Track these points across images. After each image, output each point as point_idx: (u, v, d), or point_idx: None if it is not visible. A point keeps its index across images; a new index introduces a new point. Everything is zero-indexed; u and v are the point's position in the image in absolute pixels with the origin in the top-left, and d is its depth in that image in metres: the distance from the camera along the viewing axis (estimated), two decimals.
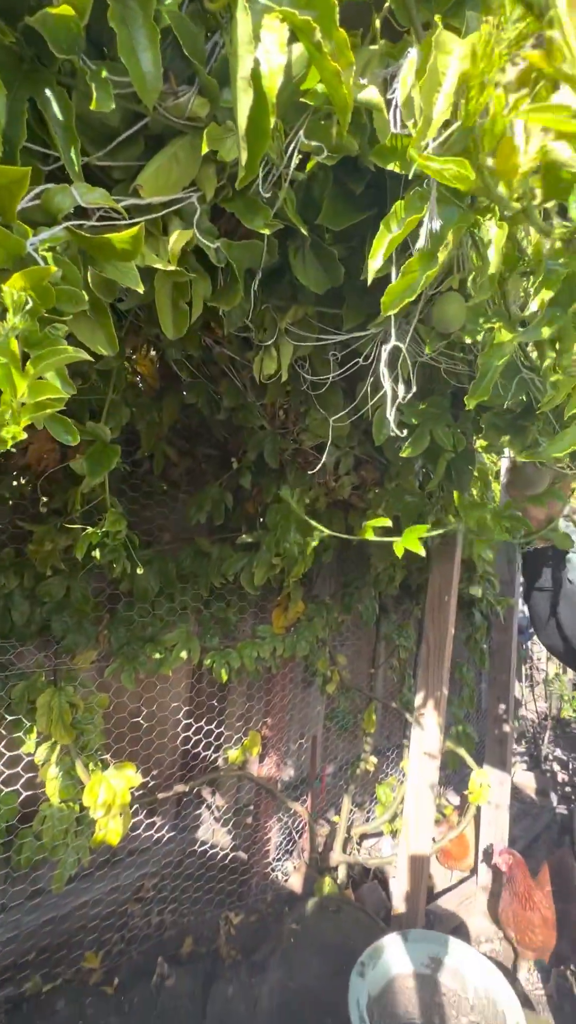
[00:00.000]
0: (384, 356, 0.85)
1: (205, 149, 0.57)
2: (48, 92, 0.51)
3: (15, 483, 1.90)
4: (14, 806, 1.83)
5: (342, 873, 2.66)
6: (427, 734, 2.28)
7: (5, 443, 0.48)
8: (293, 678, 2.89)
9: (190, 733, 2.49)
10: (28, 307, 0.46)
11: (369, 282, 0.71)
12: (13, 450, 1.81)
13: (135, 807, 2.14)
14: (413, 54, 0.65)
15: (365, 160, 0.74)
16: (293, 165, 0.67)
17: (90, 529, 1.29)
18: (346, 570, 2.84)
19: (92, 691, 1.94)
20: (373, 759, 2.89)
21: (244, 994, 1.74)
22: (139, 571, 1.42)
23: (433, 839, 2.35)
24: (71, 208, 0.53)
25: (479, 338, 0.88)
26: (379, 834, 3.21)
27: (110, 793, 1.75)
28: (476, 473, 2.12)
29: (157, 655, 1.96)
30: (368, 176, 0.79)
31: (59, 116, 0.51)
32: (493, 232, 0.72)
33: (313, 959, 1.89)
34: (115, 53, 0.51)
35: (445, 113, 0.59)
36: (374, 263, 0.69)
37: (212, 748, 2.58)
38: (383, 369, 0.84)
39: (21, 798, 1.83)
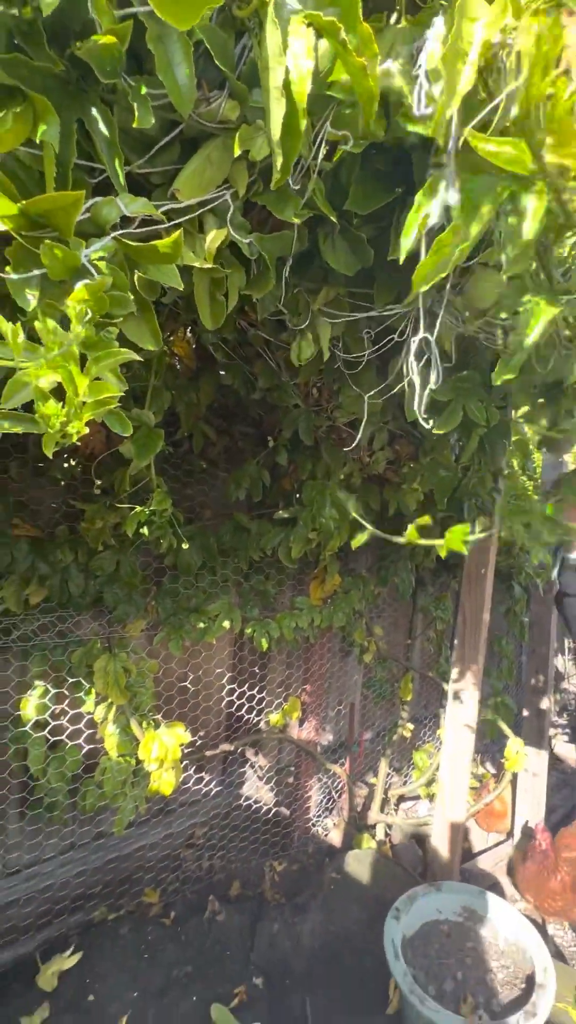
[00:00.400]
0: (412, 347, 0.87)
1: (238, 151, 0.60)
2: (94, 111, 0.55)
3: (66, 465, 2.02)
4: (78, 758, 2.01)
5: (380, 831, 2.79)
6: (462, 703, 2.33)
7: (71, 437, 0.55)
8: (331, 648, 2.98)
9: (234, 697, 2.64)
10: (88, 317, 0.52)
11: (401, 261, 0.73)
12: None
13: (185, 763, 2.32)
14: (439, 24, 0.65)
15: (391, 139, 0.74)
16: (321, 156, 0.69)
17: (138, 508, 1.38)
18: (382, 543, 2.87)
19: (143, 657, 2.09)
20: (410, 725, 2.97)
21: (288, 932, 1.90)
22: (184, 546, 1.51)
23: (468, 803, 2.43)
24: (117, 218, 0.58)
25: (518, 311, 0.88)
26: (416, 797, 3.32)
27: (162, 749, 1.91)
28: (514, 444, 2.08)
29: (201, 624, 2.09)
30: (395, 155, 0.80)
31: (104, 132, 0.56)
32: (531, 205, 0.71)
33: (352, 906, 2.02)
34: (151, 66, 0.55)
35: (470, 82, 0.60)
36: (407, 240, 0.70)
37: (254, 712, 2.73)
38: (411, 361, 0.86)
39: (83, 751, 2.02)
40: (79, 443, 2.02)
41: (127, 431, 0.61)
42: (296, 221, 0.72)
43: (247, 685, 2.68)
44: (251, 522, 2.11)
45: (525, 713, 3.22)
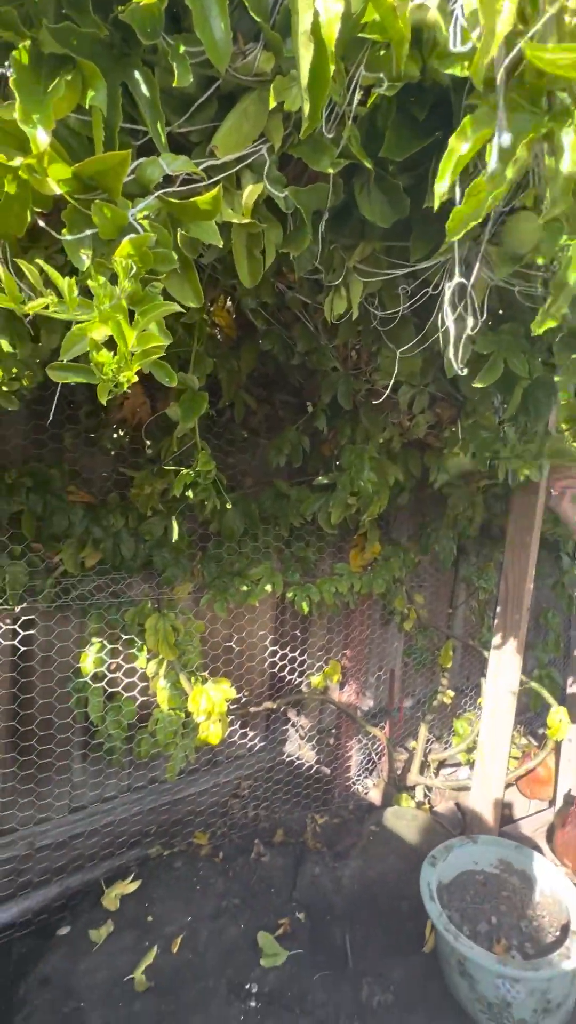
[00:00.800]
0: (447, 293, 0.86)
1: (273, 103, 0.62)
2: (136, 74, 0.59)
3: (115, 435, 2.12)
4: (133, 709, 2.17)
5: (419, 793, 2.86)
6: (504, 671, 2.33)
7: (121, 386, 0.60)
8: (371, 615, 3.02)
9: (276, 658, 2.75)
10: (133, 271, 0.57)
11: (435, 207, 0.72)
12: (109, 407, 2.02)
13: (231, 718, 2.46)
14: None
15: (428, 79, 0.73)
16: (356, 101, 0.70)
17: (184, 470, 1.45)
18: (423, 511, 2.85)
19: (190, 617, 2.21)
20: (450, 692, 2.99)
21: (329, 875, 2.01)
22: (228, 507, 1.58)
23: (509, 768, 2.44)
24: (160, 177, 0.61)
25: (557, 255, 0.86)
26: (457, 764, 3.36)
27: (210, 702, 2.03)
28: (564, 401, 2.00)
29: (245, 587, 2.17)
30: (432, 98, 0.78)
31: (146, 94, 0.59)
32: (568, 140, 0.69)
33: (390, 856, 2.11)
34: (188, 24, 0.57)
35: (508, 24, 0.58)
36: (440, 186, 0.70)
37: (296, 673, 2.84)
38: (446, 307, 0.85)
39: (137, 703, 2.17)
40: (126, 415, 2.11)
41: (172, 381, 0.66)
42: (331, 171, 0.73)
43: (289, 647, 2.78)
44: (291, 488, 2.15)
45: (573, 689, 3.17)
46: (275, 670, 2.79)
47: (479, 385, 1.15)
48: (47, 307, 0.54)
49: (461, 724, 3.22)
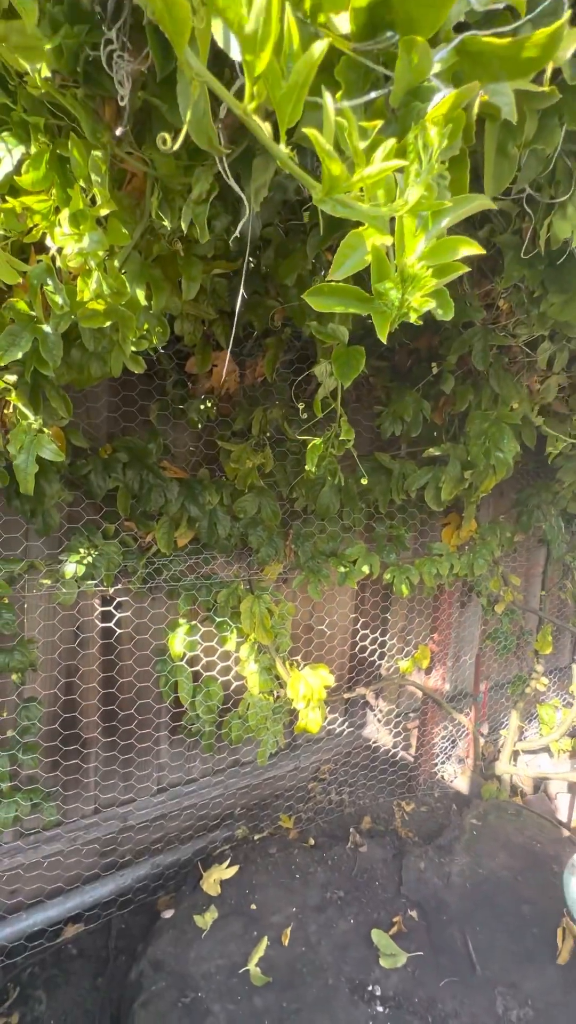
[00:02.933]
0: None
1: None
2: None
3: (202, 407, 1.97)
4: (220, 692, 2.09)
5: (507, 782, 2.72)
6: None
7: (410, 316, 0.44)
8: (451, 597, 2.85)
9: (357, 639, 2.63)
10: (444, 144, 0.40)
11: None
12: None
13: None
14: None
15: None
16: None
17: (316, 440, 1.29)
18: (523, 486, 2.62)
19: (281, 599, 2.10)
20: (544, 680, 2.81)
21: (436, 870, 1.91)
22: (363, 481, 1.42)
23: None
24: (462, 15, 0.43)
25: None
26: (536, 751, 3.20)
27: (308, 689, 1.92)
28: None
29: (342, 568, 2.03)
30: None
31: None
32: None
33: (499, 852, 1.99)
34: None
35: None
36: None
37: (376, 655, 2.71)
38: None
39: (225, 686, 2.09)
40: (214, 384, 1.96)
41: (449, 313, 0.49)
42: None
43: (369, 629, 2.65)
44: (393, 462, 1.97)
45: None
46: (355, 651, 2.67)
47: None
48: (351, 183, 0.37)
49: (546, 710, 3.05)
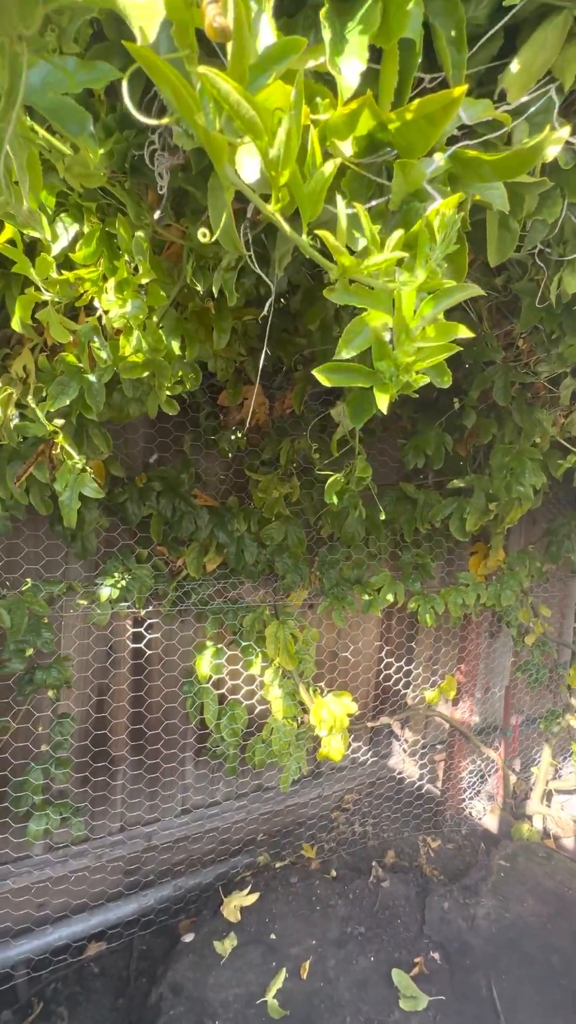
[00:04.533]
0: None
1: None
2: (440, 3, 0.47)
3: (233, 438, 2.06)
4: (245, 716, 2.12)
5: (538, 823, 2.62)
6: None
7: (409, 387, 0.49)
8: (480, 628, 2.81)
9: (382, 667, 2.62)
10: (443, 240, 0.45)
11: None
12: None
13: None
14: None
15: None
16: None
17: (335, 475, 1.35)
18: (552, 515, 2.59)
19: (306, 625, 2.13)
20: None
21: (460, 911, 1.86)
22: (383, 517, 1.46)
23: None
24: (454, 129, 0.50)
25: None
26: (572, 791, 3.07)
27: (331, 716, 1.93)
28: None
29: (366, 596, 2.06)
30: None
31: (450, 26, 0.47)
32: None
33: (527, 897, 1.92)
34: None
35: None
36: None
37: (402, 684, 2.69)
38: None
39: (249, 710, 2.12)
40: (244, 416, 2.05)
41: (447, 383, 0.54)
42: None
43: (395, 657, 2.63)
44: (418, 492, 2.00)
45: None
46: (380, 679, 2.66)
47: None
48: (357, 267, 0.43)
49: None
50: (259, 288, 1.12)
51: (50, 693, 1.71)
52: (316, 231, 0.43)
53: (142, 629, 1.95)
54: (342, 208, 0.46)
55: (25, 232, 0.79)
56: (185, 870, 2.20)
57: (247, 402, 1.99)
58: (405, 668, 2.69)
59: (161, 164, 0.72)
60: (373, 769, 2.80)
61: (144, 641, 1.94)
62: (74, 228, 0.85)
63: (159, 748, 2.05)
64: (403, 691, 2.72)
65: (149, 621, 1.96)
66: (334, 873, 2.17)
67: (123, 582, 1.71)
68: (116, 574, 1.70)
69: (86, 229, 0.84)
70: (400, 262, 0.48)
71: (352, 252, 0.49)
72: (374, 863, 2.14)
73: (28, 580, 1.67)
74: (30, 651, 1.62)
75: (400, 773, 2.82)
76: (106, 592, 1.65)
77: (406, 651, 2.75)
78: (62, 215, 0.85)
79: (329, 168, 0.44)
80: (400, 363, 0.47)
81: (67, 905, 1.93)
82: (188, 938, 1.84)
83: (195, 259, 0.88)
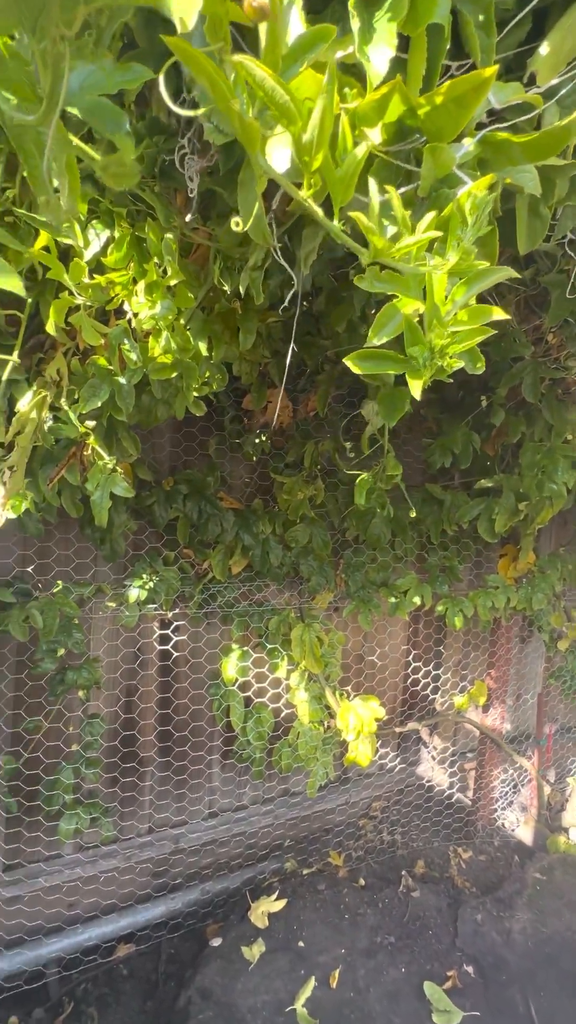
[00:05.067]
0: None
1: None
2: None
3: (257, 441, 2.07)
4: (271, 719, 2.11)
5: (574, 835, 2.52)
6: None
7: (442, 373, 0.49)
8: (510, 632, 2.74)
9: (409, 672, 2.57)
10: (474, 223, 0.45)
11: None
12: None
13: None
14: None
15: None
16: None
17: (364, 475, 1.34)
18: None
19: (331, 628, 2.12)
20: None
21: (494, 925, 1.80)
22: (413, 514, 1.45)
23: None
24: (483, 114, 0.50)
25: None
26: None
27: (359, 720, 1.91)
28: None
29: (392, 599, 2.03)
30: None
31: (480, 17, 0.47)
32: None
33: (565, 911, 1.85)
34: None
35: None
36: None
37: (430, 689, 2.64)
38: None
39: (275, 714, 2.12)
40: (269, 419, 2.07)
41: (480, 368, 0.54)
42: None
43: (422, 661, 2.59)
44: (444, 493, 1.98)
45: None
46: (409, 684, 2.62)
47: None
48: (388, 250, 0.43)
49: None
50: (282, 291, 1.13)
51: (80, 693, 1.74)
52: (349, 213, 0.44)
53: (169, 631, 1.97)
54: (374, 190, 0.46)
55: (59, 239, 0.82)
56: (213, 874, 2.19)
57: (271, 405, 2.00)
58: (433, 673, 2.64)
59: (191, 167, 0.74)
60: (401, 776, 2.75)
61: (171, 643, 1.96)
62: (105, 234, 0.87)
63: (186, 750, 2.06)
64: (431, 696, 2.67)
65: (176, 623, 1.98)
66: (363, 881, 2.14)
67: (151, 584, 1.73)
68: (144, 576, 1.72)
69: (116, 234, 0.86)
70: (432, 244, 0.47)
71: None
72: (404, 872, 2.09)
73: (59, 582, 1.71)
74: (61, 651, 1.65)
75: (429, 781, 2.76)
76: (135, 594, 1.67)
77: (434, 655, 2.70)
78: (93, 221, 0.88)
79: (362, 150, 0.44)
80: (435, 347, 0.47)
81: (97, 905, 1.95)
82: (216, 942, 1.83)
83: (222, 260, 0.89)
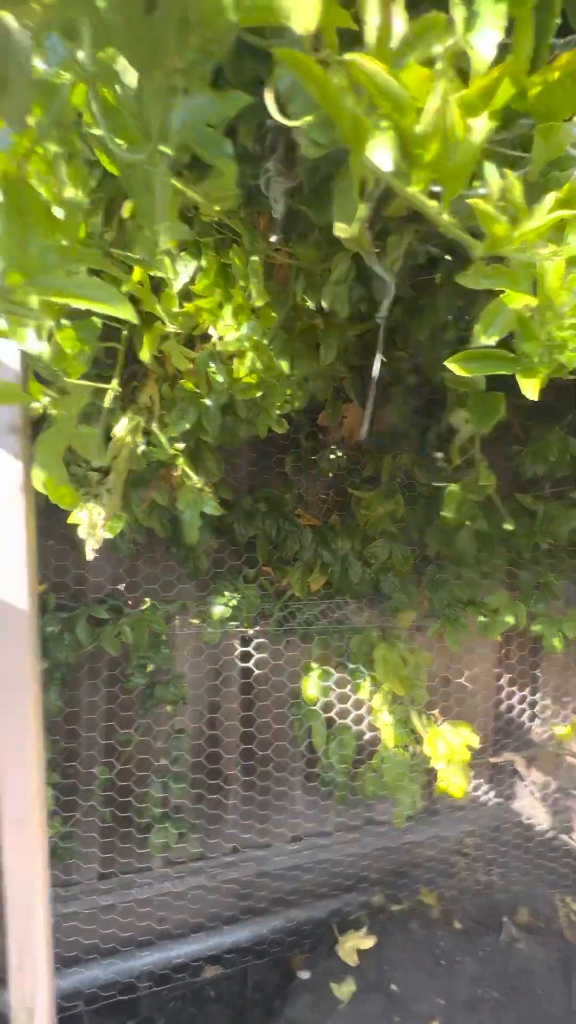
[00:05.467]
0: None
1: None
2: None
3: (332, 456, 2.06)
4: (353, 743, 2.04)
5: None
6: None
7: (564, 369, 0.45)
8: None
9: (501, 696, 2.39)
10: None
11: None
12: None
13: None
14: None
15: None
16: None
17: (453, 486, 1.28)
18: None
19: (416, 648, 2.02)
20: None
21: None
22: (507, 526, 1.36)
23: None
24: None
25: None
26: None
27: (449, 748, 1.79)
28: None
29: (482, 618, 1.91)
30: None
31: None
32: None
33: None
34: None
35: None
36: None
37: (526, 716, 2.43)
38: None
39: (358, 737, 2.04)
40: (344, 434, 2.05)
41: None
42: None
43: (516, 686, 2.40)
44: (536, 503, 1.84)
45: None
46: (502, 709, 2.43)
47: None
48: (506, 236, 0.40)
49: None
50: (360, 306, 1.12)
51: (168, 708, 1.79)
52: (468, 200, 0.41)
53: (250, 648, 1.98)
54: (493, 174, 0.44)
55: (151, 273, 0.86)
56: (297, 900, 2.14)
57: (346, 420, 1.98)
58: (529, 698, 2.43)
59: (276, 188, 0.75)
60: (496, 811, 2.54)
61: (252, 660, 1.97)
62: (193, 264, 0.91)
63: (269, 770, 2.04)
64: (527, 724, 2.46)
65: (256, 641, 1.99)
66: (458, 924, 1.98)
67: (234, 601, 1.76)
68: (226, 593, 1.75)
69: (203, 263, 0.90)
70: (559, 225, 0.44)
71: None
72: (505, 919, 1.92)
73: (147, 600, 1.78)
74: (151, 667, 1.71)
75: (529, 819, 2.53)
76: (218, 610, 1.70)
77: (529, 679, 2.49)
78: (182, 254, 0.92)
79: (479, 135, 0.42)
80: (554, 340, 0.42)
81: (185, 923, 1.97)
82: (304, 975, 1.77)
83: (304, 277, 0.90)
